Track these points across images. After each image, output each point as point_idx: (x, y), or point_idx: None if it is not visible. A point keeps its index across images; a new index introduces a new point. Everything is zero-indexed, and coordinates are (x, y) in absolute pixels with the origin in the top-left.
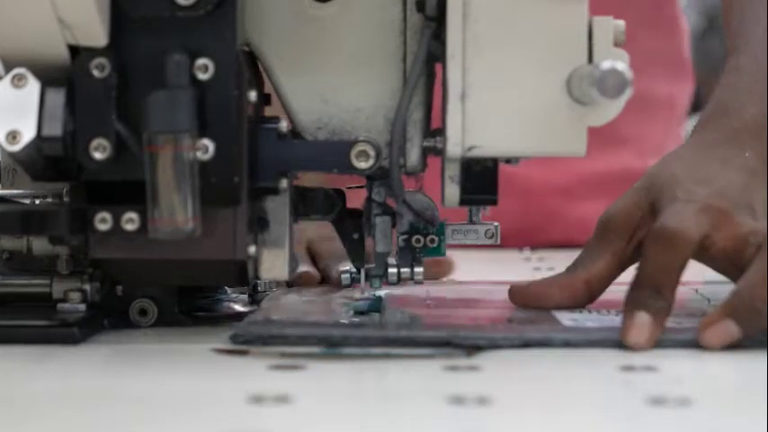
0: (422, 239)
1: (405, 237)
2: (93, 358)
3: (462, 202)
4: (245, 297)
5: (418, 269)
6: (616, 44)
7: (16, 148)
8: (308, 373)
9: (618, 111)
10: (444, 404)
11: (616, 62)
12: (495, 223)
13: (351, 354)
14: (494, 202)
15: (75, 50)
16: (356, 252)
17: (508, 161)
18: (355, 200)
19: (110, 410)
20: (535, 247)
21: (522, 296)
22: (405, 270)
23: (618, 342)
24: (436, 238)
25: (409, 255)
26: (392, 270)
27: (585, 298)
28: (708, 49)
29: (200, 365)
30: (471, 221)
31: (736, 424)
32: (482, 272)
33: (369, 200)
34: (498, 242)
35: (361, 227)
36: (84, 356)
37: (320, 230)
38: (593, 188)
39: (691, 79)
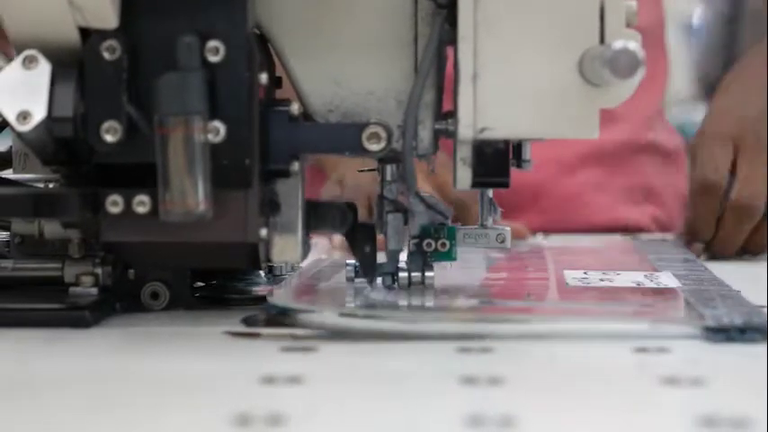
0: (433, 243)
1: (416, 241)
2: (104, 341)
3: (474, 184)
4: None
5: (429, 273)
6: (628, 25)
7: (27, 128)
8: (319, 355)
9: (630, 92)
10: (456, 385)
11: (628, 42)
12: (507, 228)
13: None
14: (505, 185)
15: (85, 33)
16: (368, 265)
17: (519, 166)
18: None
19: (121, 392)
20: (547, 232)
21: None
22: (416, 274)
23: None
24: (447, 243)
25: (420, 259)
26: (403, 274)
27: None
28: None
29: (211, 348)
30: (483, 226)
31: (749, 405)
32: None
33: (381, 197)
34: (509, 246)
35: (374, 239)
36: (95, 339)
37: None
38: (587, 162)
39: (666, 56)
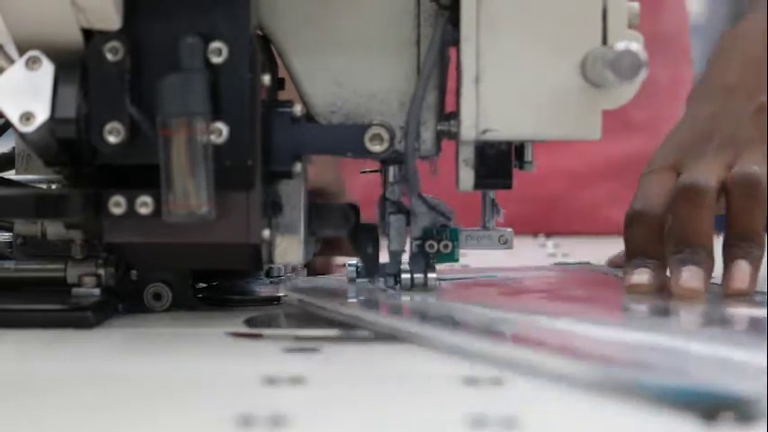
0: (435, 245)
1: (418, 242)
2: (107, 342)
3: (476, 185)
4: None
5: (431, 275)
6: (630, 26)
7: (29, 129)
8: (321, 356)
9: (632, 93)
10: (459, 385)
11: (630, 43)
12: (509, 229)
13: (364, 337)
14: (508, 186)
15: (88, 34)
16: (371, 265)
17: (521, 167)
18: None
19: (124, 393)
20: (549, 234)
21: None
22: (418, 275)
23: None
24: (450, 244)
25: (422, 260)
26: (405, 276)
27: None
28: None
29: (214, 349)
30: (485, 227)
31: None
32: (498, 258)
33: (383, 198)
34: (512, 248)
35: (376, 240)
36: (98, 340)
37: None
38: (604, 173)
39: (690, 64)
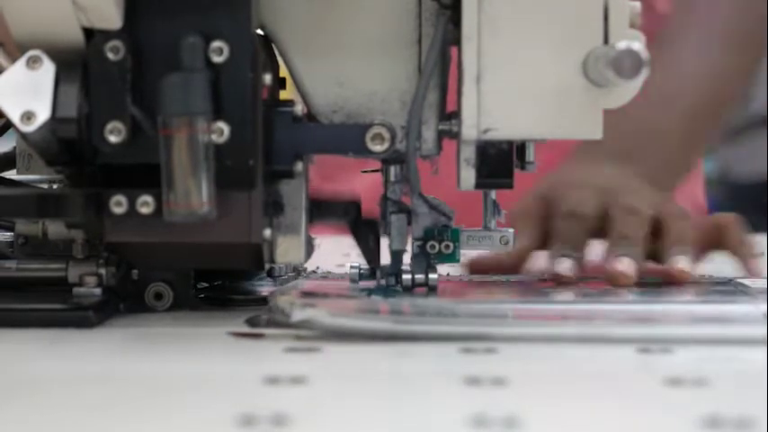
0: (436, 245)
1: (419, 243)
2: (108, 341)
3: (478, 185)
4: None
5: (433, 275)
6: (632, 25)
7: (30, 128)
8: (323, 355)
9: (634, 92)
10: (460, 385)
11: (632, 42)
12: (510, 230)
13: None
14: (509, 186)
15: (89, 33)
16: (372, 257)
17: (523, 167)
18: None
19: (125, 393)
20: None
21: (481, 266)
22: (419, 276)
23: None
24: (451, 245)
25: (424, 261)
26: (406, 276)
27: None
28: None
29: (215, 348)
30: (486, 228)
31: (753, 405)
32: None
33: (384, 198)
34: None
35: (377, 233)
36: (99, 340)
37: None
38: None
39: None
